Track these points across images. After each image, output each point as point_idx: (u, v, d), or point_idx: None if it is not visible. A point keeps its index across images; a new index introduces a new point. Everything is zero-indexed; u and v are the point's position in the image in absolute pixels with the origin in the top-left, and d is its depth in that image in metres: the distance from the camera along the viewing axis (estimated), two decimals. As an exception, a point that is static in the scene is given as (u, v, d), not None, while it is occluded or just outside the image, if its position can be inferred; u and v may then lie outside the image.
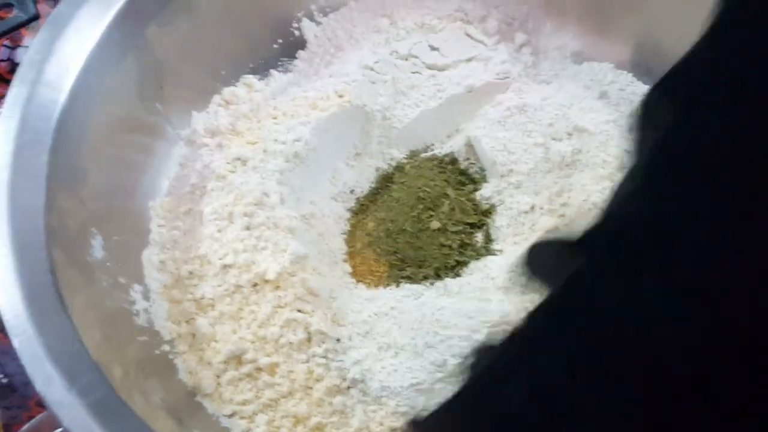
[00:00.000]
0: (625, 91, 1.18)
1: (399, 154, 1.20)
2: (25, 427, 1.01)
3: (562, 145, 1.10)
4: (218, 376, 0.96)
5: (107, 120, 1.03)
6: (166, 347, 0.98)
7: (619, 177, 1.03)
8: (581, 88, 1.17)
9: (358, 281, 1.07)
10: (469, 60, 1.23)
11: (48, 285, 0.85)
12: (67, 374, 0.79)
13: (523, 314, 0.95)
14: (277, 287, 0.99)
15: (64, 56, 0.98)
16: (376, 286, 1.06)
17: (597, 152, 1.09)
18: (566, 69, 1.25)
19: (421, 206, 1.12)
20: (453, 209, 1.12)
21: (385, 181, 1.18)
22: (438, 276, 1.06)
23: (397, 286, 1.05)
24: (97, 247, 0.96)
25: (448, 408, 0.58)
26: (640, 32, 1.22)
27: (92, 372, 0.81)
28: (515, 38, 1.27)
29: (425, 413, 0.90)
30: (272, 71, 1.24)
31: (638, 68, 1.22)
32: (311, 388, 0.95)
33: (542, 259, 0.55)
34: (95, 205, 0.98)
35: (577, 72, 1.24)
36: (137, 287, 1.00)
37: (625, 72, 1.22)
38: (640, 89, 1.19)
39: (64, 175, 0.94)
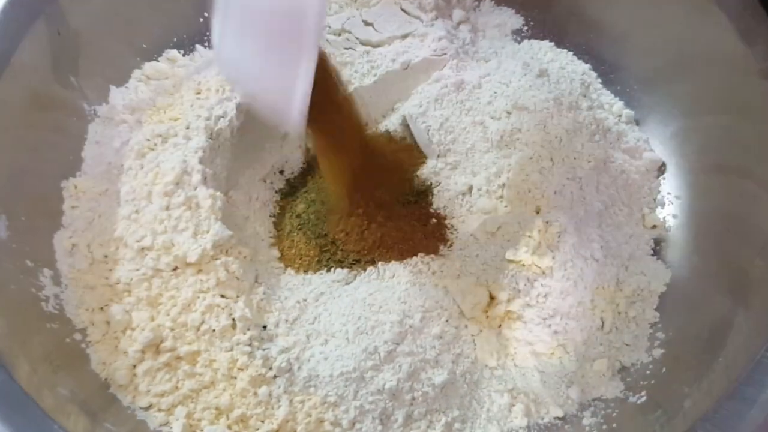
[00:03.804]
0: (566, 69, 1.15)
1: (331, 134, 1.14)
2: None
3: (501, 124, 1.06)
4: (134, 366, 0.91)
5: (13, 94, 0.96)
6: (78, 336, 0.91)
7: (558, 156, 1.02)
8: (521, 65, 1.13)
9: (287, 266, 1.02)
10: (405, 36, 1.19)
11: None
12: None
13: (458, 298, 0.92)
14: (199, 271, 0.94)
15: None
16: (306, 270, 1.02)
17: (536, 131, 1.05)
18: (505, 47, 1.21)
19: (354, 187, 1.07)
20: (387, 189, 1.08)
21: (316, 161, 1.12)
22: (371, 260, 1.02)
23: (328, 270, 1.01)
24: (1, 227, 0.89)
25: None
26: (580, 11, 1.20)
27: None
28: (453, 15, 1.24)
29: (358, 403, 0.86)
30: (197, 46, 1.18)
31: (578, 47, 1.19)
32: (235, 377, 0.90)
33: None
34: (-2, 184, 0.92)
35: (516, 50, 1.21)
36: (47, 271, 0.93)
37: (565, 50, 1.19)
38: (580, 67, 1.16)
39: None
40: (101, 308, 0.94)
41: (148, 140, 1.03)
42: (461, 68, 1.16)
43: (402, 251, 1.02)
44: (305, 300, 0.96)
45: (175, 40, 1.17)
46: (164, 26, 1.17)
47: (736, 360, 0.83)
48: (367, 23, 1.20)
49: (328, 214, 1.05)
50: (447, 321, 0.92)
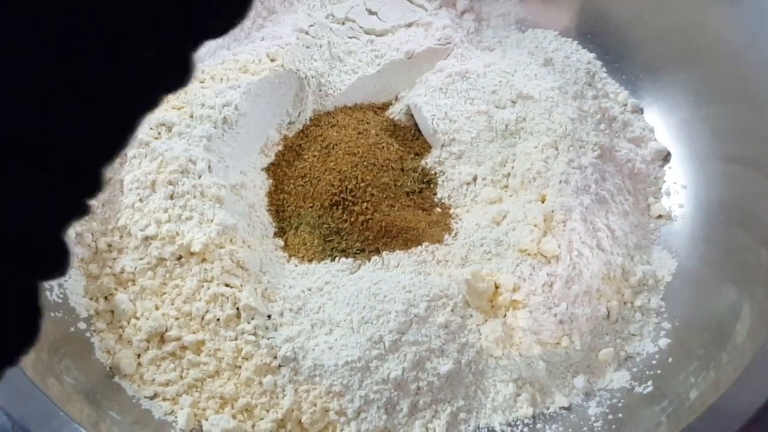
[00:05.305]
0: (570, 58, 1.14)
1: (335, 123, 1.14)
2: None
3: (506, 113, 1.06)
4: (139, 356, 0.90)
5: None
6: (83, 325, 0.91)
7: (564, 144, 1.01)
8: (525, 54, 1.13)
9: (291, 255, 1.01)
10: (409, 25, 1.19)
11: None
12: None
13: (463, 287, 0.92)
14: (204, 260, 0.93)
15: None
16: (310, 260, 1.01)
17: (541, 119, 1.05)
18: (510, 36, 1.21)
19: (358, 176, 1.07)
20: (392, 178, 1.07)
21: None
22: (376, 250, 1.01)
23: (332, 260, 1.00)
24: (4, 216, 0.88)
25: None
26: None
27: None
28: (457, 4, 1.24)
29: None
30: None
31: (583, 36, 1.18)
32: (239, 367, 0.89)
33: None
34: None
35: (521, 39, 1.20)
36: (50, 260, 0.92)
37: (570, 39, 1.18)
38: (585, 57, 1.15)
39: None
40: (105, 297, 0.93)
41: (152, 129, 1.02)
42: (465, 57, 1.15)
43: (406, 241, 1.01)
44: (310, 289, 0.95)
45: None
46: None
47: (742, 350, 0.82)
48: (371, 12, 1.19)
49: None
50: (452, 310, 0.91)
